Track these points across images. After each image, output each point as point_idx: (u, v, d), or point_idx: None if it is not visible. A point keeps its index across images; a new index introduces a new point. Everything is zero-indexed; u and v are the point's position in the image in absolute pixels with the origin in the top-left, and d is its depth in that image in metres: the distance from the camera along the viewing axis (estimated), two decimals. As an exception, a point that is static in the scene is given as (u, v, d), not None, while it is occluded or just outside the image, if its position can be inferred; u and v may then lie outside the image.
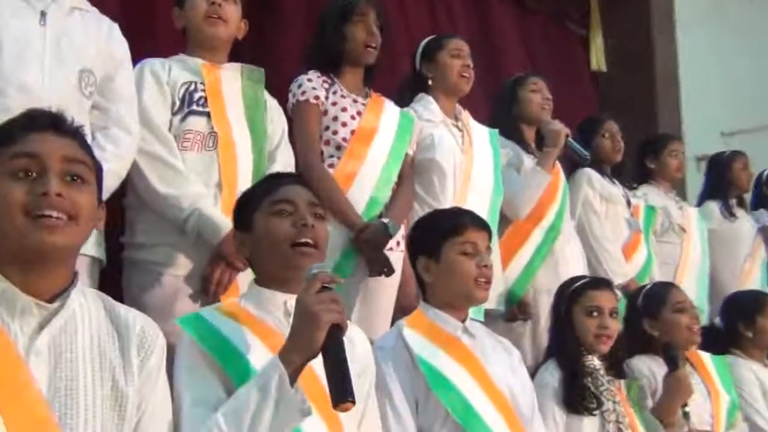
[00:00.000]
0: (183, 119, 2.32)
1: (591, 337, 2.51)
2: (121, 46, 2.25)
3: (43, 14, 2.06)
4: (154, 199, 2.24)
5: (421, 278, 2.21)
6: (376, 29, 2.67)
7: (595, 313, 2.52)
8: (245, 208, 1.84)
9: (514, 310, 3.07)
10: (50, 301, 1.37)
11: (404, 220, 2.68)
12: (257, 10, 2.96)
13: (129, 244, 2.32)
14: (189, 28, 2.45)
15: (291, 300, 1.62)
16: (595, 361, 2.52)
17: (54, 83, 2.01)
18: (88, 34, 2.14)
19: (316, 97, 2.60)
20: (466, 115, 3.07)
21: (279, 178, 1.88)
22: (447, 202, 2.81)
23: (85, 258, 2.07)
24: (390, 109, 2.78)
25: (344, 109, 2.63)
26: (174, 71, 2.36)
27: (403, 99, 2.97)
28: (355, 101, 2.68)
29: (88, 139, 1.57)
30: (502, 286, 2.99)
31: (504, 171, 3.10)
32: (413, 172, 2.83)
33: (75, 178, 1.38)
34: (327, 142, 2.62)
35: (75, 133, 1.44)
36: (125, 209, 2.35)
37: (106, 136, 2.13)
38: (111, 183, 2.07)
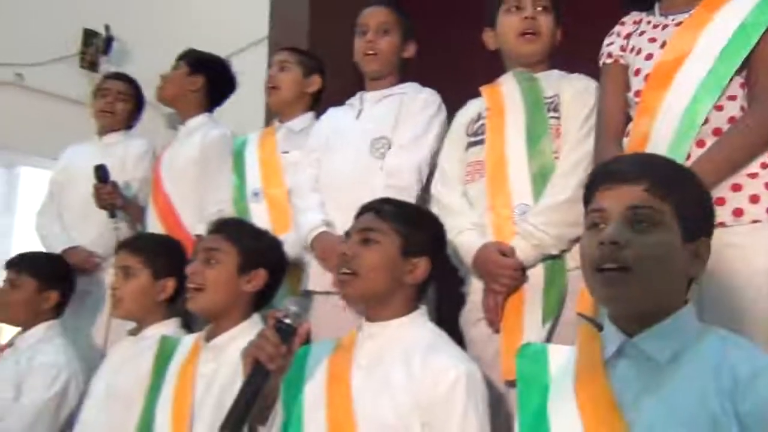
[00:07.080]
0: (466, 154, 2.35)
1: None
2: (417, 104, 2.54)
3: (360, 111, 2.62)
4: None
5: None
6: None
7: None
8: None
9: None
10: None
11: (731, 168, 1.84)
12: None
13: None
14: (503, 49, 2.38)
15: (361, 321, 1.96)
16: None
17: (352, 156, 2.52)
18: (389, 109, 2.55)
19: (609, 55, 2.14)
20: None
21: (363, 209, 2.03)
22: None
23: None
24: (731, 7, 1.95)
25: (639, 52, 2.05)
26: (469, 109, 2.42)
27: None
28: (665, 27, 2.03)
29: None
30: None
31: None
32: None
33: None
34: (629, 104, 2.06)
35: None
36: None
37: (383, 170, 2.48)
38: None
